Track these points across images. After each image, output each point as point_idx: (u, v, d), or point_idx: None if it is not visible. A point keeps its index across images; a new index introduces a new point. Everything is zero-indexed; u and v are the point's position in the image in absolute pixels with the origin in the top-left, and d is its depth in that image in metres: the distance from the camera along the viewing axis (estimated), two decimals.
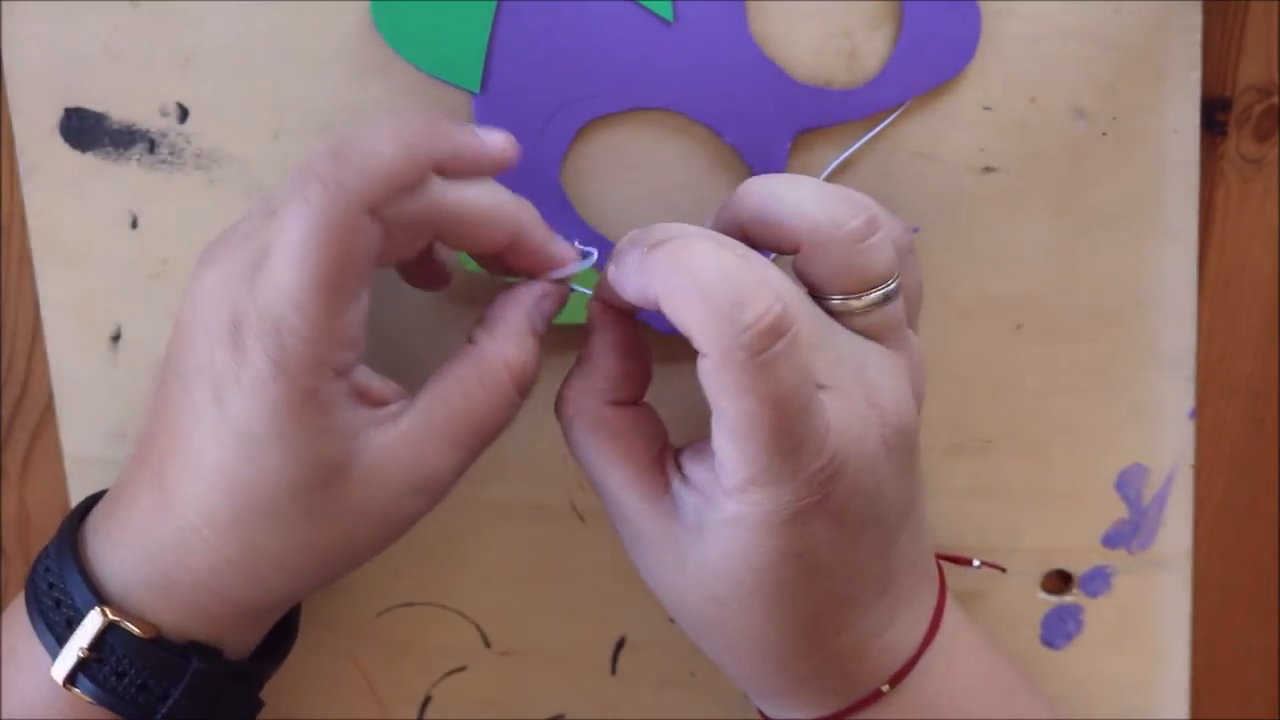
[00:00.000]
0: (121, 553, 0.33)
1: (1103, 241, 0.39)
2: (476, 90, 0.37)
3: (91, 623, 0.32)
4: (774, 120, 0.38)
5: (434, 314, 0.39)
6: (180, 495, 0.32)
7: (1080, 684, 0.43)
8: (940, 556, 0.38)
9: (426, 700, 0.43)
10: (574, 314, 0.36)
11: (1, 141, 0.40)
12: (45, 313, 0.41)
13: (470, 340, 0.34)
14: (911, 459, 0.33)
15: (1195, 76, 0.38)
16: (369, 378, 0.32)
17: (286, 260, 0.30)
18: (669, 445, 0.34)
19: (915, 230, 0.39)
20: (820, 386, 0.30)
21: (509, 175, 0.36)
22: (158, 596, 0.33)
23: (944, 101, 0.38)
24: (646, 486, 0.32)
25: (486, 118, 0.37)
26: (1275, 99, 0.40)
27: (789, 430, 0.29)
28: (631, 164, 0.39)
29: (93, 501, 0.36)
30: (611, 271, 0.32)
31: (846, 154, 0.38)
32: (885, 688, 0.34)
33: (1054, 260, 0.40)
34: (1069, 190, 0.39)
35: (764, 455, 0.29)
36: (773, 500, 0.30)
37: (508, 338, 0.33)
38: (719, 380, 0.29)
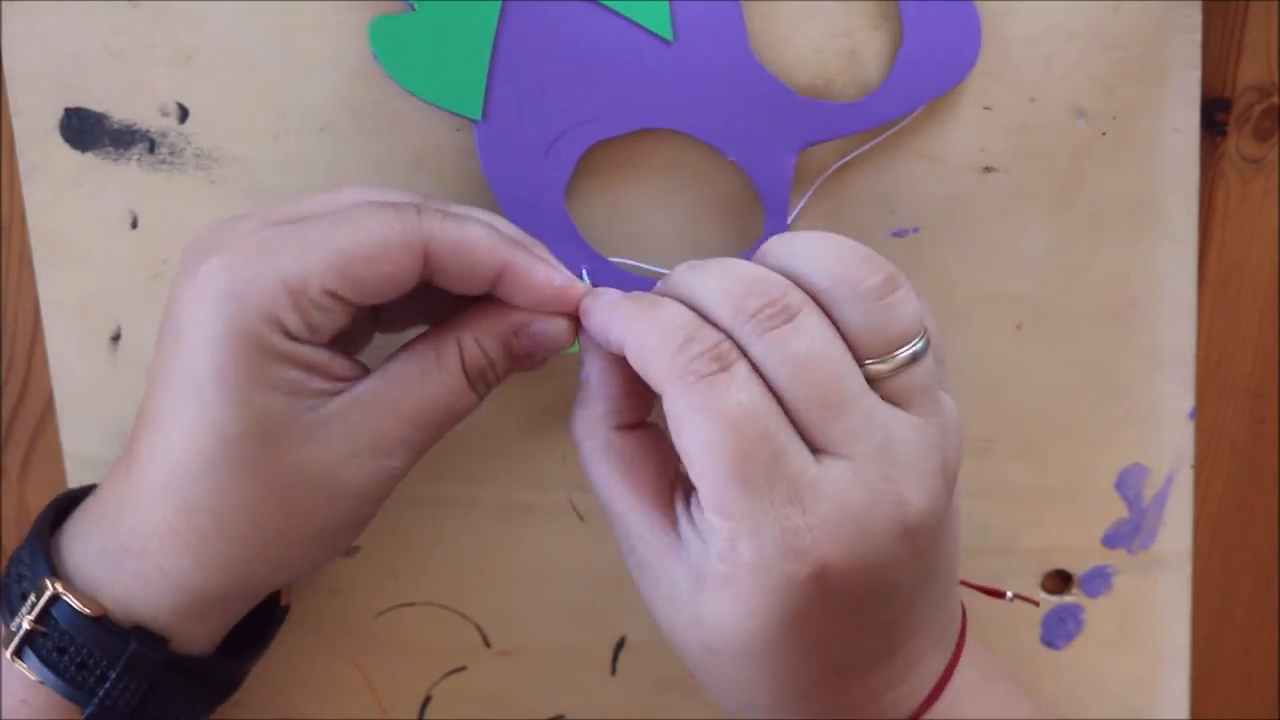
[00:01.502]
0: (85, 525, 0.34)
1: (1103, 241, 0.39)
2: (478, 118, 0.37)
3: (41, 595, 0.33)
4: (777, 137, 0.37)
5: None
6: (136, 457, 0.32)
7: (1080, 684, 0.43)
8: (970, 586, 0.37)
9: (426, 700, 0.43)
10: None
11: (1, 141, 0.40)
12: (45, 313, 0.41)
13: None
14: (940, 537, 0.31)
15: (1195, 76, 0.38)
16: (330, 360, 0.32)
17: (339, 242, 0.31)
18: (681, 475, 0.33)
19: (915, 230, 0.39)
20: (828, 453, 0.29)
21: (519, 206, 0.37)
22: (108, 570, 0.33)
23: (944, 101, 0.38)
24: (653, 519, 0.32)
25: (489, 145, 0.37)
26: (1275, 99, 0.40)
27: (751, 459, 0.28)
28: (636, 187, 0.39)
29: (84, 492, 0.36)
30: (587, 313, 0.32)
31: (843, 161, 0.38)
32: None
33: (1054, 260, 0.40)
34: (1069, 190, 0.39)
35: (728, 486, 0.28)
36: (757, 556, 0.29)
37: (472, 328, 0.33)
38: (673, 409, 0.29)
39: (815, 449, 0.29)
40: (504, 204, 0.38)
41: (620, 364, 0.32)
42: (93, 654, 0.33)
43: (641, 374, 0.30)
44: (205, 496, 0.32)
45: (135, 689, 0.33)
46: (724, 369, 0.29)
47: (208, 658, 0.35)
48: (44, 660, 0.33)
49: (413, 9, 0.36)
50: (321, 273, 0.31)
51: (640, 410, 0.33)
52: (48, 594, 0.33)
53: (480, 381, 0.34)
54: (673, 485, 0.32)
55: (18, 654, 0.33)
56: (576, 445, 0.33)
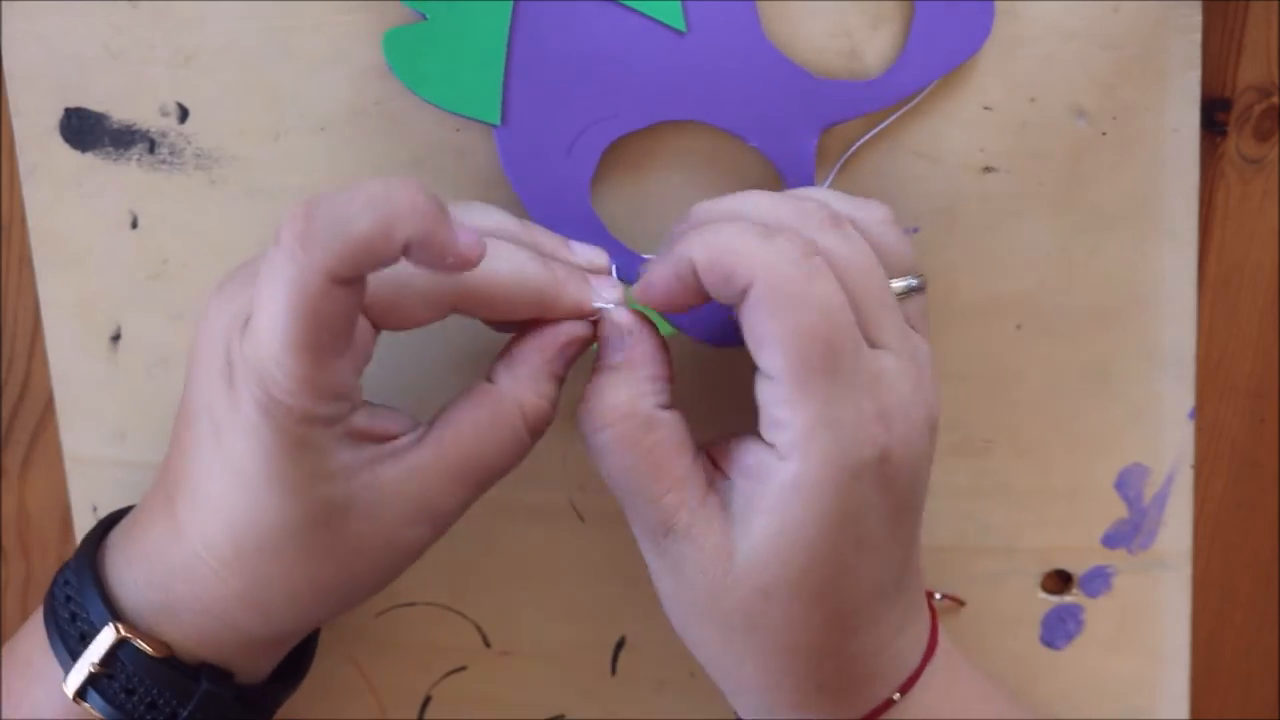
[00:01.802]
0: (135, 573, 0.33)
1: (1103, 241, 0.39)
2: (497, 123, 0.37)
3: (105, 638, 0.32)
4: (798, 119, 0.37)
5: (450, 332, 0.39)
6: (188, 526, 0.32)
7: (1080, 684, 0.43)
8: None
9: (426, 700, 0.43)
10: None
11: (1, 141, 0.40)
12: (45, 313, 0.41)
13: (489, 378, 0.33)
14: (931, 453, 0.33)
15: (1195, 76, 0.38)
16: (372, 418, 0.32)
17: (263, 319, 0.29)
18: (699, 451, 0.34)
19: (915, 230, 0.39)
20: (881, 348, 0.31)
21: (545, 207, 0.37)
22: (167, 619, 0.33)
23: (944, 101, 0.38)
24: (697, 485, 0.32)
25: (510, 149, 0.37)
26: (1275, 99, 0.40)
27: (839, 348, 0.30)
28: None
29: (117, 517, 0.36)
30: (649, 269, 0.32)
31: (868, 136, 0.38)
32: (896, 696, 0.34)
33: (1054, 260, 0.40)
34: (1069, 190, 0.39)
35: (823, 381, 0.30)
36: (834, 443, 0.30)
37: (526, 380, 0.33)
38: (768, 302, 0.30)
39: (870, 343, 0.31)
40: (529, 205, 0.38)
41: (665, 347, 0.33)
42: (163, 694, 0.33)
43: (720, 278, 0.31)
44: (270, 573, 0.32)
45: None
46: (812, 258, 0.30)
47: (266, 687, 0.36)
48: (110, 701, 0.33)
49: (424, 18, 0.36)
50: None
51: (671, 395, 0.34)
52: (113, 639, 0.32)
53: (541, 425, 0.34)
54: (697, 456, 0.33)
55: (80, 695, 0.33)
56: (608, 428, 0.33)
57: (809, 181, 0.38)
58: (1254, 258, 0.41)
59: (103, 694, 0.33)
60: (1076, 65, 0.38)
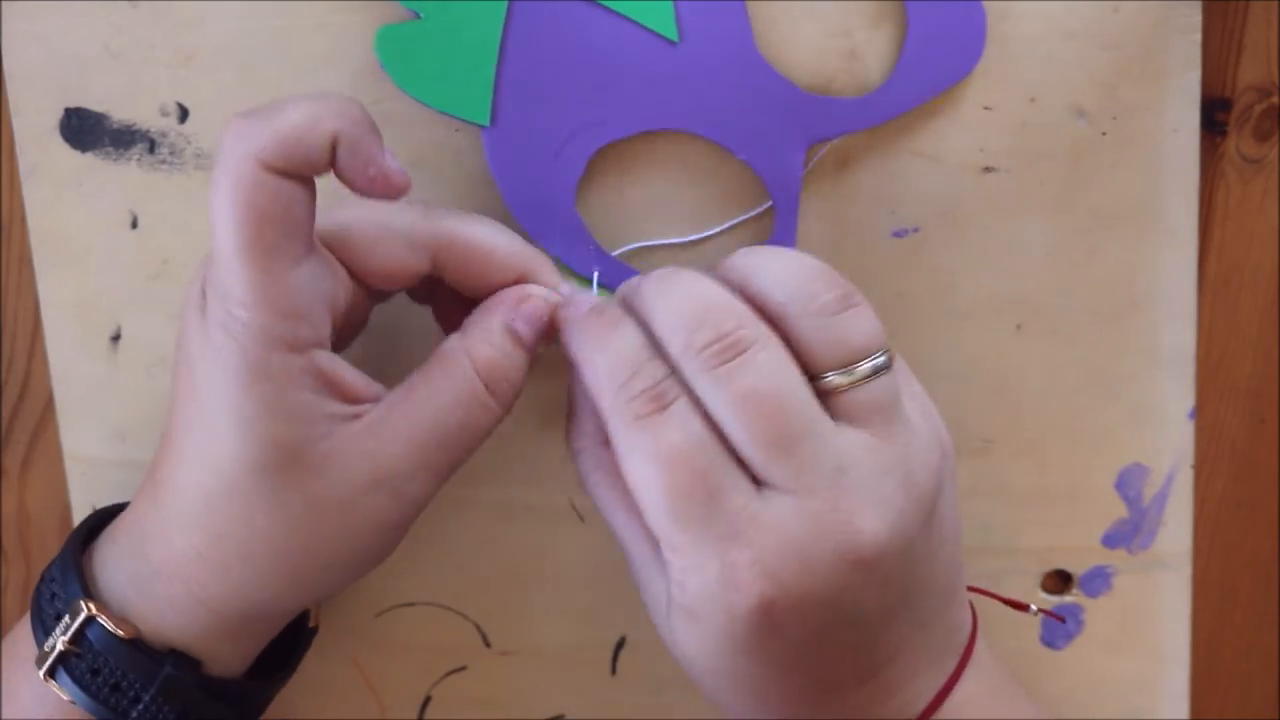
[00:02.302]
0: (115, 548, 0.34)
1: (1103, 241, 0.39)
2: (486, 123, 0.37)
3: (74, 615, 0.33)
4: (786, 134, 0.37)
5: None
6: (161, 485, 0.33)
7: (1080, 684, 0.43)
8: (989, 595, 0.37)
9: (426, 700, 0.43)
10: None
11: (1, 141, 0.40)
12: (45, 313, 0.41)
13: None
14: (912, 559, 0.31)
15: (1195, 76, 0.38)
16: (341, 368, 0.32)
17: (215, 225, 0.30)
18: None
19: (915, 230, 0.39)
20: (773, 488, 0.29)
21: (530, 210, 0.37)
22: (140, 594, 0.33)
23: (944, 101, 0.38)
24: (641, 535, 0.32)
25: (498, 150, 0.37)
26: (1275, 99, 0.40)
27: (688, 497, 0.29)
28: (646, 188, 0.39)
29: (112, 513, 0.36)
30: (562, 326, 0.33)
31: (818, 157, 0.38)
32: None
33: (1054, 260, 0.40)
34: (1069, 190, 0.39)
35: (669, 523, 0.29)
36: (701, 588, 0.29)
37: (476, 331, 0.33)
38: (616, 445, 0.30)
39: (759, 483, 0.30)
40: (514, 208, 0.38)
41: None
42: (127, 676, 0.33)
43: (584, 389, 0.32)
44: (227, 525, 0.32)
45: (169, 711, 0.33)
46: (661, 409, 0.29)
47: (239, 681, 0.35)
48: (77, 681, 0.33)
49: (418, 17, 0.36)
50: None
51: None
52: (82, 615, 0.33)
53: (500, 384, 0.33)
54: None
55: (50, 674, 0.33)
56: (571, 457, 0.34)
57: (794, 195, 0.38)
58: (1254, 258, 0.41)
59: (71, 674, 0.33)
60: (1076, 65, 0.38)
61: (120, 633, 0.33)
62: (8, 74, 0.39)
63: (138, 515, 0.34)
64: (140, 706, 0.33)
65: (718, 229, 0.39)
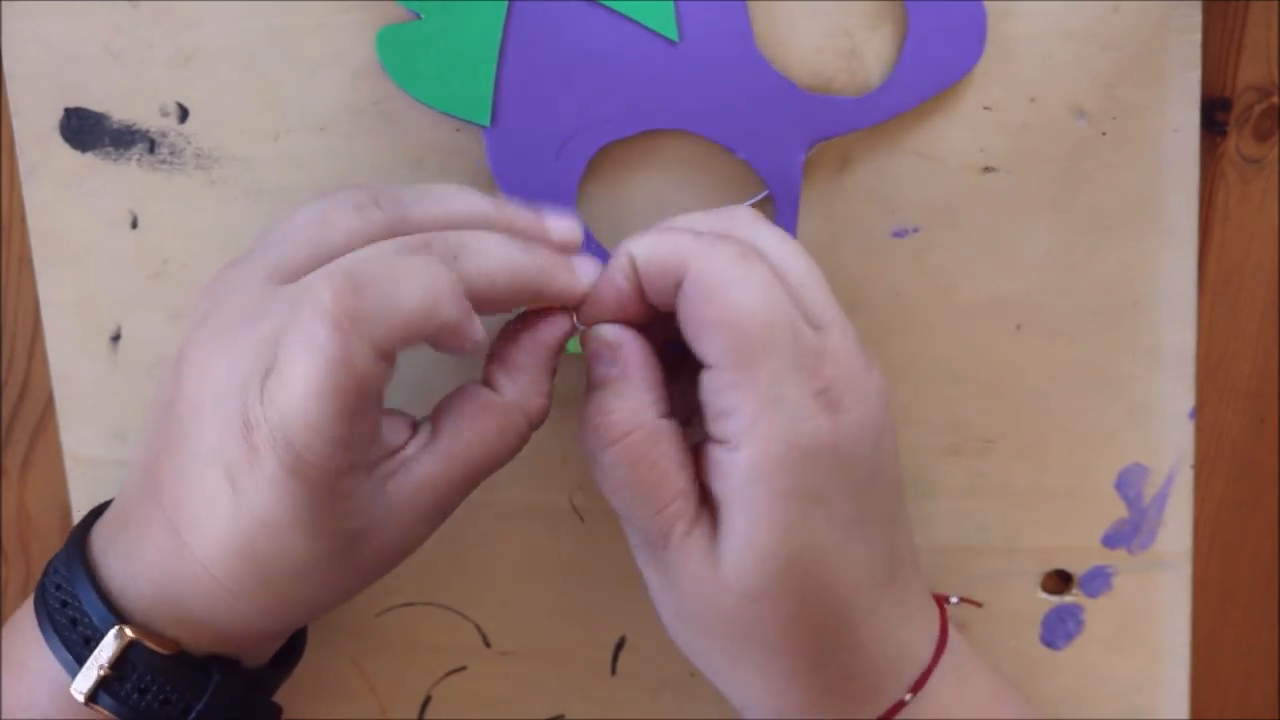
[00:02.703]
0: (135, 581, 0.33)
1: (1103, 241, 0.39)
2: (487, 124, 0.37)
3: (112, 641, 0.32)
4: (786, 134, 0.37)
5: None
6: (198, 551, 0.32)
7: (1080, 684, 0.43)
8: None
9: (426, 700, 0.43)
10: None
11: (1, 141, 0.40)
12: (45, 313, 0.41)
13: (487, 382, 0.34)
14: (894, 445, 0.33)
15: (1195, 76, 0.38)
16: (383, 442, 0.32)
17: (298, 391, 0.29)
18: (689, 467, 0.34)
19: (915, 230, 0.39)
20: (816, 325, 0.32)
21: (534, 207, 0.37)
22: (173, 621, 0.33)
23: (944, 101, 0.38)
24: (694, 495, 0.32)
25: (499, 150, 0.37)
26: (1275, 99, 0.40)
27: (777, 332, 0.30)
28: (647, 187, 0.39)
29: (95, 515, 0.36)
30: (616, 273, 0.33)
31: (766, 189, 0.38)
32: (908, 696, 0.33)
33: (1054, 260, 0.40)
34: (1069, 190, 0.39)
35: (765, 361, 0.30)
36: (781, 422, 0.30)
37: (530, 388, 0.33)
38: (704, 288, 0.31)
39: (812, 324, 0.32)
40: None
41: (652, 350, 0.33)
42: (176, 689, 0.33)
43: (658, 271, 0.32)
44: (293, 592, 0.32)
45: (219, 714, 0.33)
46: (744, 249, 0.31)
47: (269, 670, 0.36)
48: (123, 702, 0.32)
49: (419, 18, 0.36)
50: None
51: (666, 398, 0.34)
52: (123, 640, 0.32)
53: (540, 422, 0.34)
54: (692, 470, 0.33)
55: (91, 697, 0.33)
56: (613, 445, 0.33)
57: (795, 195, 0.38)
58: (1254, 258, 0.41)
59: (114, 695, 0.32)
60: (1076, 65, 0.38)
61: (165, 651, 0.32)
62: (8, 74, 0.39)
63: (164, 565, 0.32)
64: (193, 715, 0.33)
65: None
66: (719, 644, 0.33)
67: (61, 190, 0.39)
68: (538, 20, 0.36)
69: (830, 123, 0.38)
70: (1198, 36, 0.38)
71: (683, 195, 0.39)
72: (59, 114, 0.39)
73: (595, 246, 0.38)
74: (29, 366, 0.42)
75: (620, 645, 0.43)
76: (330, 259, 0.31)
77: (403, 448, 0.32)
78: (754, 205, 0.39)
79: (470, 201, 0.34)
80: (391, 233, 0.32)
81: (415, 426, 0.33)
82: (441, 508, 0.33)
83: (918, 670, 0.34)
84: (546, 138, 0.37)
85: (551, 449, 0.41)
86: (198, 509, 0.31)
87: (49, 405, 0.41)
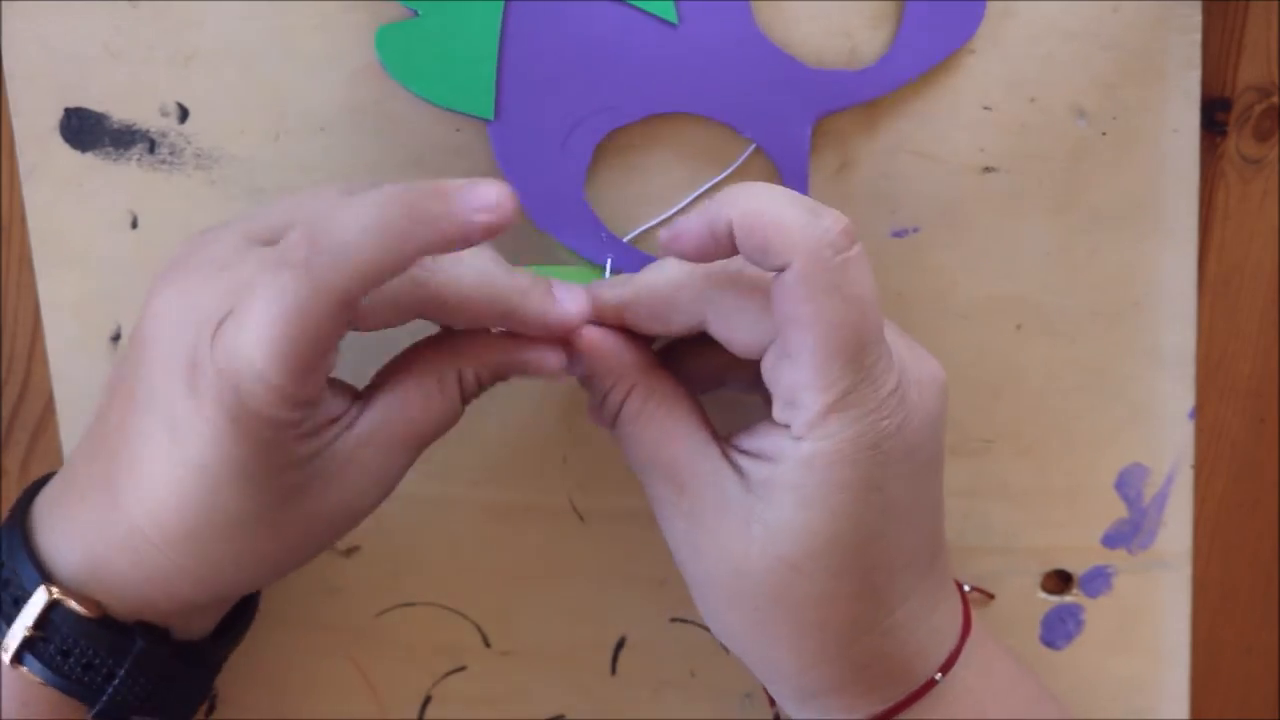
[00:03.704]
0: (70, 541, 0.33)
1: (1103, 241, 0.39)
2: (491, 118, 0.37)
3: (37, 600, 0.32)
4: (792, 110, 0.37)
5: None
6: (132, 505, 0.32)
7: (1080, 684, 0.43)
8: None
9: (426, 700, 0.43)
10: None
11: (1, 141, 0.40)
12: (45, 313, 0.41)
13: (434, 342, 0.33)
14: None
15: (1195, 76, 0.38)
16: (326, 407, 0.32)
17: (255, 337, 0.29)
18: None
19: (915, 230, 0.39)
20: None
21: (540, 201, 0.37)
22: (102, 584, 0.33)
23: (944, 101, 0.38)
24: (717, 451, 0.33)
25: (504, 143, 0.37)
26: (1275, 99, 0.40)
27: (870, 341, 0.30)
28: (655, 172, 0.39)
29: (44, 482, 0.36)
30: (668, 235, 0.31)
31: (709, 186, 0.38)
32: (938, 676, 0.34)
33: (1054, 260, 0.40)
34: (1069, 190, 0.39)
35: (847, 369, 0.30)
36: (852, 424, 0.30)
37: (478, 365, 0.33)
38: (806, 285, 0.29)
39: None
40: (524, 200, 0.37)
41: (646, 343, 0.34)
42: (99, 654, 0.33)
43: (757, 247, 0.30)
44: (222, 551, 0.32)
45: (144, 683, 0.33)
46: (854, 243, 0.30)
47: (206, 643, 0.36)
48: (47, 664, 0.32)
49: (416, 15, 0.36)
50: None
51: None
52: (45, 600, 0.32)
53: (471, 399, 0.34)
54: (716, 439, 0.34)
55: (18, 659, 0.33)
56: (634, 391, 0.33)
57: (804, 171, 0.38)
58: (1254, 258, 0.41)
59: (39, 657, 0.32)
60: (1076, 65, 0.38)
61: (88, 613, 0.32)
62: (8, 74, 0.39)
63: (97, 524, 0.32)
64: (115, 681, 0.33)
65: (709, 184, 0.38)
66: (748, 616, 0.33)
67: (61, 190, 0.39)
68: (536, 11, 0.36)
69: (835, 96, 0.37)
70: (1198, 36, 0.38)
71: (691, 178, 0.39)
72: (59, 114, 0.39)
73: (606, 235, 0.38)
74: (29, 366, 0.42)
75: (620, 645, 0.43)
76: None
77: (345, 413, 0.32)
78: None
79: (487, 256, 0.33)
80: None
81: (357, 395, 0.33)
82: (383, 471, 0.32)
83: (946, 650, 0.34)
84: (551, 128, 0.37)
85: (551, 449, 0.41)
86: (135, 460, 0.31)
87: (49, 405, 0.41)
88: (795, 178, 0.38)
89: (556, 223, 0.38)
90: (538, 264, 0.38)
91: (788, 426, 0.31)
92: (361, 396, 0.33)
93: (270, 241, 0.32)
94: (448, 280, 0.32)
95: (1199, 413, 0.41)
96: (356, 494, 0.32)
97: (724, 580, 0.33)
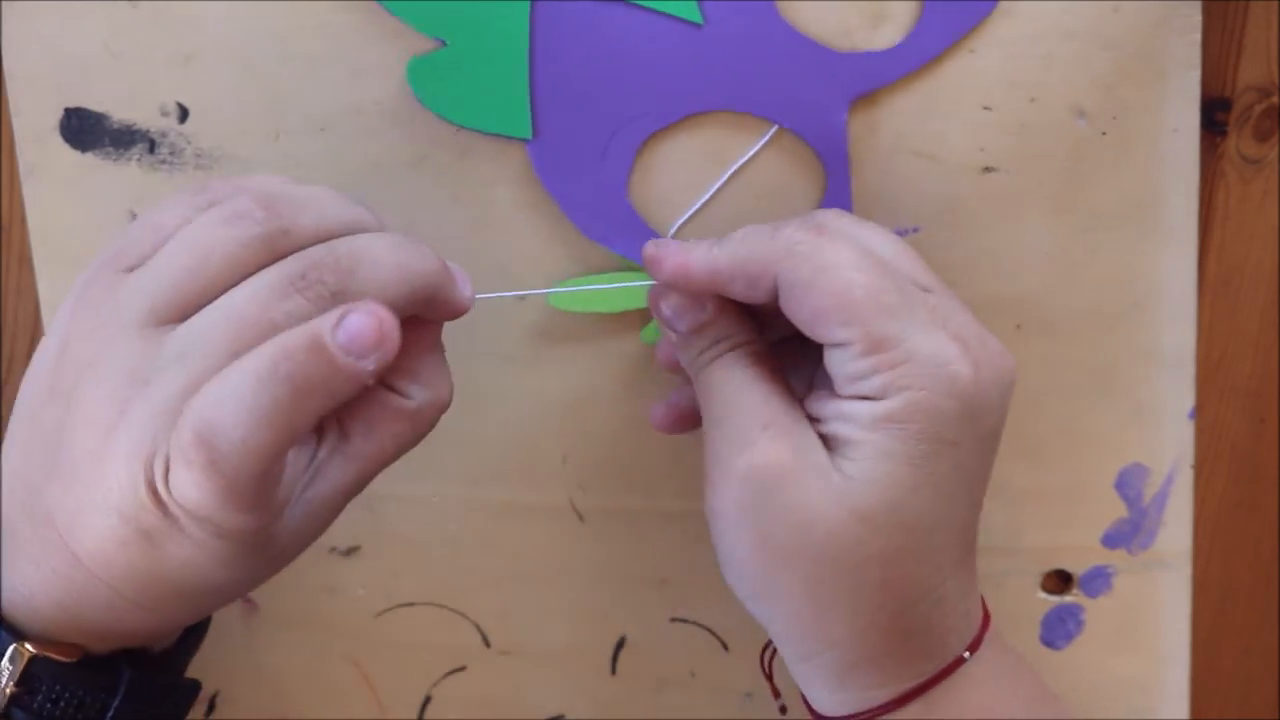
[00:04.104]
0: (33, 598, 0.31)
1: (1103, 241, 0.39)
2: (529, 137, 0.37)
3: (15, 661, 0.31)
4: (825, 96, 0.38)
5: None
6: (103, 575, 0.30)
7: (1080, 684, 0.43)
8: None
9: (426, 700, 0.43)
10: (634, 300, 0.38)
11: (1, 141, 0.40)
12: (45, 313, 0.41)
13: (394, 389, 0.32)
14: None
15: (1195, 76, 0.38)
16: (292, 462, 0.32)
17: (199, 495, 0.28)
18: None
19: (915, 230, 0.39)
20: (925, 290, 0.33)
21: (585, 213, 0.38)
22: (81, 628, 0.32)
23: (944, 101, 0.38)
24: (799, 407, 0.33)
25: (545, 160, 0.38)
26: (1275, 99, 0.40)
27: (887, 291, 0.32)
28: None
29: None
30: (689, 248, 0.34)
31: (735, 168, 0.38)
32: (966, 654, 0.34)
33: (1054, 260, 0.40)
34: (1069, 190, 0.39)
35: (883, 321, 0.31)
36: (920, 371, 0.31)
37: (434, 383, 0.32)
38: (796, 284, 0.32)
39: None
40: (570, 214, 0.38)
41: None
42: (89, 693, 0.32)
43: (746, 284, 0.33)
44: (200, 604, 0.32)
45: (138, 706, 0.33)
46: (820, 233, 0.32)
47: (177, 649, 0.35)
48: (38, 715, 0.32)
49: (444, 44, 0.37)
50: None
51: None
52: (21, 659, 0.31)
53: (449, 403, 0.33)
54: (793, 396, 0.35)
55: (6, 716, 0.32)
56: (723, 351, 0.34)
57: (843, 155, 0.38)
58: (1254, 258, 0.41)
59: (26, 710, 0.32)
60: (1076, 65, 0.38)
61: (67, 659, 0.32)
62: (8, 74, 0.39)
63: (58, 580, 0.31)
64: (110, 713, 0.32)
65: (738, 163, 0.39)
66: (807, 575, 0.32)
67: (61, 190, 0.39)
68: (562, 27, 0.37)
69: (866, 77, 0.38)
70: (1198, 36, 0.38)
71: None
72: (59, 114, 0.39)
73: (655, 239, 0.38)
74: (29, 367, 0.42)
75: (620, 645, 0.43)
76: (208, 291, 0.29)
77: (311, 461, 0.32)
78: (809, 186, 0.39)
79: (350, 210, 0.32)
80: (272, 250, 0.30)
81: (319, 435, 0.32)
82: (350, 498, 0.32)
83: (973, 631, 0.34)
84: (590, 141, 0.37)
85: (551, 449, 0.41)
86: (104, 548, 0.30)
87: None
88: (837, 162, 0.38)
89: (605, 232, 0.38)
90: (591, 275, 0.39)
91: (863, 397, 0.32)
92: (323, 436, 0.32)
93: (172, 316, 0.30)
94: (369, 283, 0.30)
95: (1199, 413, 0.41)
96: (322, 527, 0.32)
97: (784, 537, 0.32)
